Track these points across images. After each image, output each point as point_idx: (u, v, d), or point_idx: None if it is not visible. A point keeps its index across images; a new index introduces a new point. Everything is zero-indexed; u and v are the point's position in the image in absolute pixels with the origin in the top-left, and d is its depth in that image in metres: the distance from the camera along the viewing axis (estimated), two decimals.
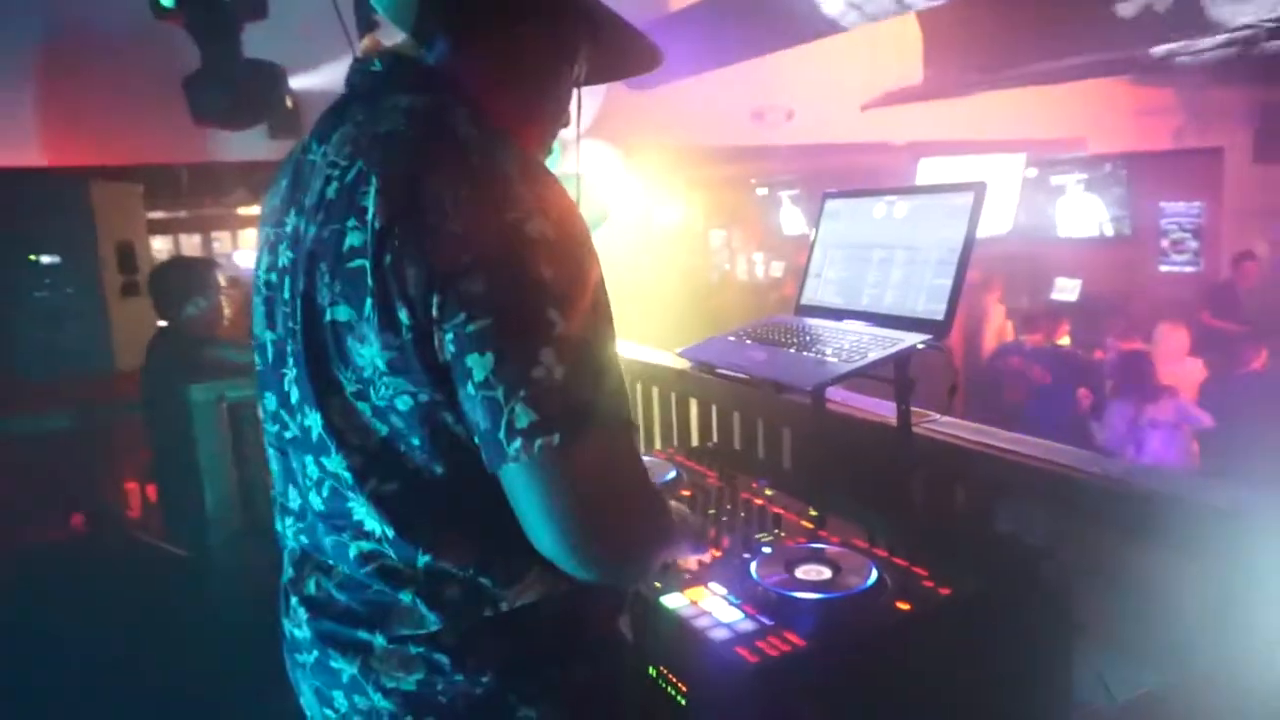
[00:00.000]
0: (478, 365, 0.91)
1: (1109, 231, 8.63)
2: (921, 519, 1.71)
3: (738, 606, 1.29)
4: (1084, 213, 8.72)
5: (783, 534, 1.53)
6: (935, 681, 1.24)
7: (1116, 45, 5.09)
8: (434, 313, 0.92)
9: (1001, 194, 6.63)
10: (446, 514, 1.01)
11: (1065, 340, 6.63)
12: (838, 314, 1.90)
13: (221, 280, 3.62)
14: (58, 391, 4.27)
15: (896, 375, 1.67)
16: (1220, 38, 4.62)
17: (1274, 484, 1.30)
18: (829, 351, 1.72)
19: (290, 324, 1.05)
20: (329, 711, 1.10)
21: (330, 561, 1.08)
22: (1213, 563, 1.24)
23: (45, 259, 4.08)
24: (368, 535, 1.03)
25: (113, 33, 3.98)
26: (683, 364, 2.28)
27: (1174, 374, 5.13)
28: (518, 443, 0.91)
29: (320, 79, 3.85)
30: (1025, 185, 7.77)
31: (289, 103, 3.69)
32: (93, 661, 3.09)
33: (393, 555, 1.02)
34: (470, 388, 0.92)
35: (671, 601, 1.32)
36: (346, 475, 1.02)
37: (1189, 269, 8.36)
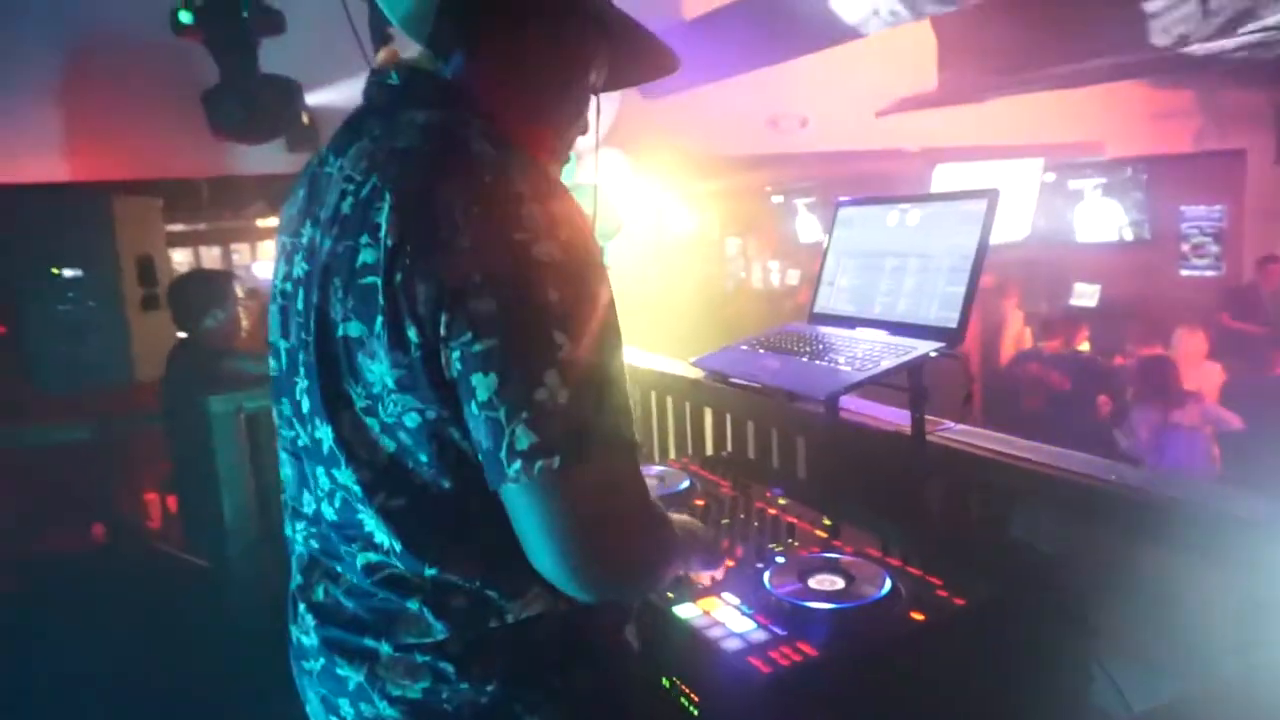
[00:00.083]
0: (482, 385, 0.91)
1: (1129, 236, 8.58)
2: (936, 528, 1.69)
3: (750, 616, 1.29)
4: (1103, 217, 8.67)
5: (796, 543, 1.53)
6: (949, 692, 1.23)
7: (1137, 47, 5.05)
8: (442, 331, 0.92)
9: (1018, 199, 6.60)
10: (453, 529, 1.02)
11: (1085, 346, 6.58)
12: (851, 322, 1.90)
13: (240, 292, 3.66)
14: (79, 403, 4.32)
15: (910, 383, 1.67)
16: (1243, 39, 4.58)
17: None
18: (842, 360, 1.72)
19: (303, 335, 1.06)
20: (334, 719, 1.10)
21: (339, 569, 1.09)
22: (1233, 571, 1.23)
23: (68, 272, 4.13)
24: (376, 547, 1.04)
25: (133, 49, 4.02)
26: (697, 373, 2.28)
27: (1192, 378, 5.08)
28: (518, 464, 0.91)
29: (336, 94, 3.88)
30: (1043, 190, 7.72)
31: (305, 118, 3.72)
32: (112, 670, 3.12)
33: (400, 567, 1.03)
34: (474, 406, 0.92)
35: (684, 611, 1.32)
36: (356, 489, 1.03)
37: (1210, 273, 8.29)
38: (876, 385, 1.65)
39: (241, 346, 3.55)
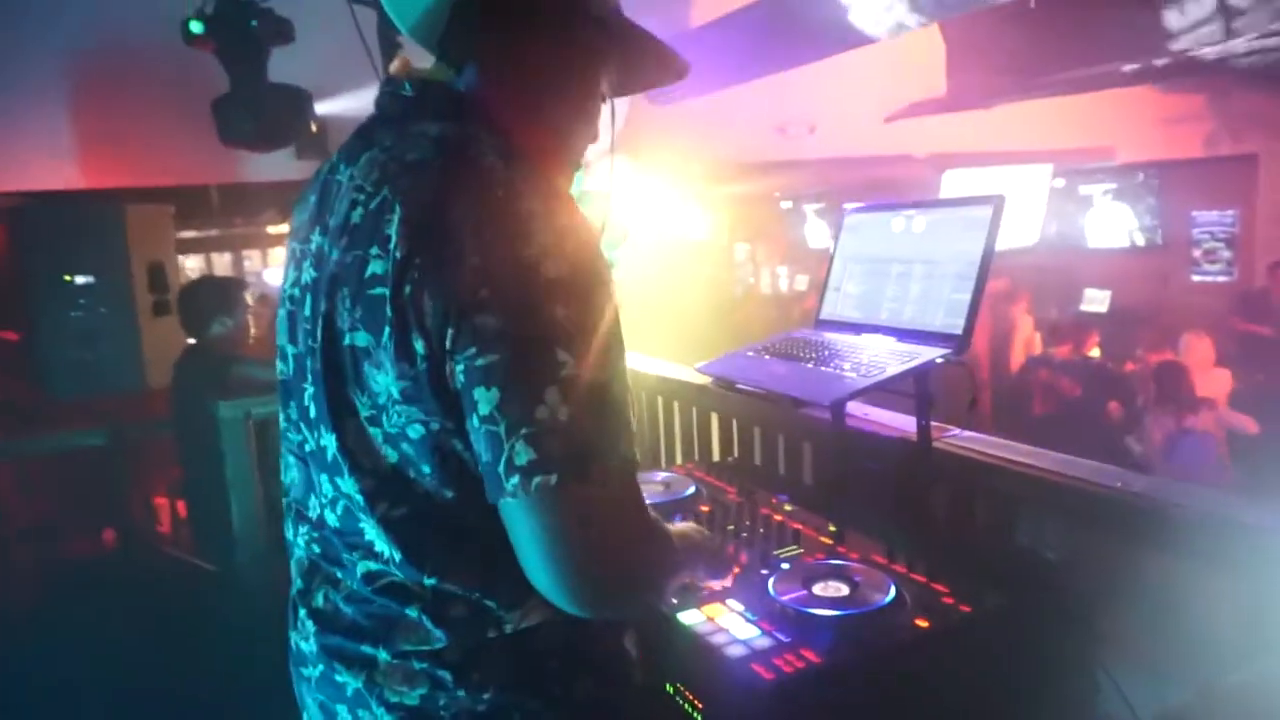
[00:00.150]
0: (484, 399, 0.92)
1: (1140, 241, 8.54)
2: (942, 534, 1.69)
3: (755, 623, 1.28)
4: (1114, 222, 8.64)
5: (801, 550, 1.52)
6: (954, 699, 1.23)
7: (1149, 52, 5.03)
8: (448, 344, 0.93)
9: (1028, 205, 6.58)
10: (454, 540, 1.02)
11: (1095, 352, 6.56)
12: (857, 328, 1.90)
13: (250, 299, 3.67)
14: (90, 409, 4.35)
15: (916, 390, 1.67)
16: (1255, 42, 4.56)
17: None
18: (847, 366, 1.72)
19: (310, 342, 1.07)
20: None
21: (340, 575, 1.09)
22: (1240, 578, 1.22)
23: (80, 279, 4.16)
24: (377, 556, 1.04)
25: (145, 59, 4.06)
26: (703, 379, 2.28)
27: (1200, 384, 5.06)
28: (516, 479, 0.91)
29: (345, 103, 3.91)
30: (1053, 196, 7.70)
31: (313, 127, 3.74)
32: (121, 673, 3.13)
33: (400, 576, 1.03)
34: (475, 420, 0.93)
35: (688, 618, 1.31)
36: (358, 498, 1.03)
37: (1222, 278, 8.25)
38: (883, 391, 1.65)
39: (250, 353, 3.57)
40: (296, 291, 1.11)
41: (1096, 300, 8.47)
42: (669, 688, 1.28)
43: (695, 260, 8.11)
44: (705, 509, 1.71)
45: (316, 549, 1.13)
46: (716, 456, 2.40)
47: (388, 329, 0.95)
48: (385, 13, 1.19)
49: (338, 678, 1.07)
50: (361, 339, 0.98)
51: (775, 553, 1.51)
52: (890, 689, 1.22)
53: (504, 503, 0.94)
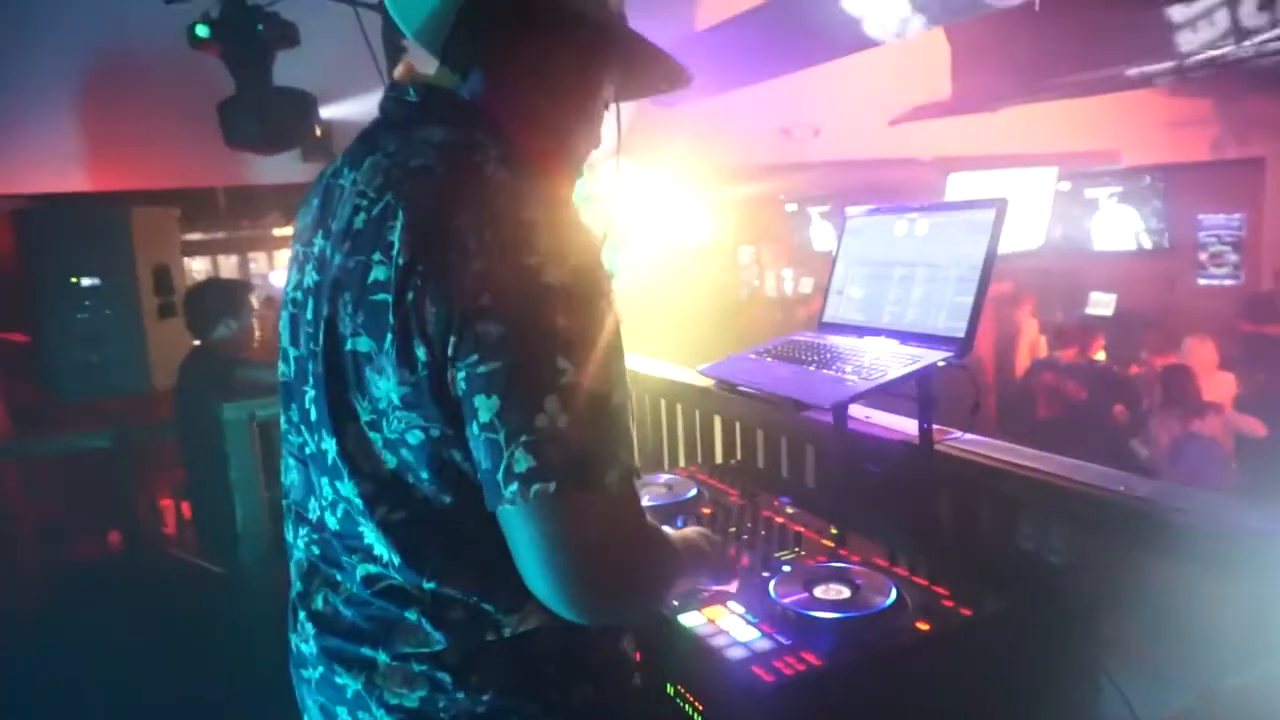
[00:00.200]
0: (484, 407, 0.92)
1: (1146, 244, 8.52)
2: (944, 537, 1.69)
3: (755, 625, 1.28)
4: (1120, 226, 8.62)
5: (803, 552, 1.52)
6: (955, 702, 1.23)
7: (1155, 55, 5.02)
8: (449, 351, 0.93)
9: (1033, 208, 6.58)
10: (452, 544, 1.02)
11: (1100, 355, 6.54)
12: (859, 331, 1.90)
13: (255, 301, 3.69)
14: (96, 411, 4.36)
15: (918, 393, 1.66)
16: (1263, 45, 4.55)
17: None
18: (849, 369, 1.72)
19: (312, 345, 1.07)
20: None
21: (339, 577, 1.10)
22: (1241, 582, 1.22)
23: (86, 281, 4.17)
24: (376, 559, 1.05)
25: (151, 63, 4.08)
26: (706, 381, 2.28)
27: (1204, 388, 5.04)
28: (515, 486, 0.91)
29: (350, 107, 3.92)
30: (1059, 199, 7.70)
31: (318, 131, 3.75)
32: (126, 673, 3.14)
33: (399, 579, 1.03)
34: (475, 427, 0.93)
35: (689, 620, 1.31)
36: (358, 501, 1.04)
37: (1229, 282, 8.22)
38: (885, 394, 1.65)
39: (255, 355, 3.58)
40: (299, 294, 1.11)
41: (1102, 304, 8.45)
42: (669, 689, 1.28)
43: (700, 263, 8.12)
44: (707, 511, 1.71)
45: (316, 551, 1.13)
46: (720, 459, 2.40)
47: (390, 335, 0.95)
48: (390, 17, 1.20)
49: (338, 679, 1.08)
50: (363, 344, 0.99)
51: (777, 555, 1.51)
52: (891, 692, 1.22)
53: (503, 510, 0.94)
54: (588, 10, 1.11)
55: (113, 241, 4.17)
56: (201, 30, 3.33)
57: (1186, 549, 1.26)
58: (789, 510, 1.70)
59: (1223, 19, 4.59)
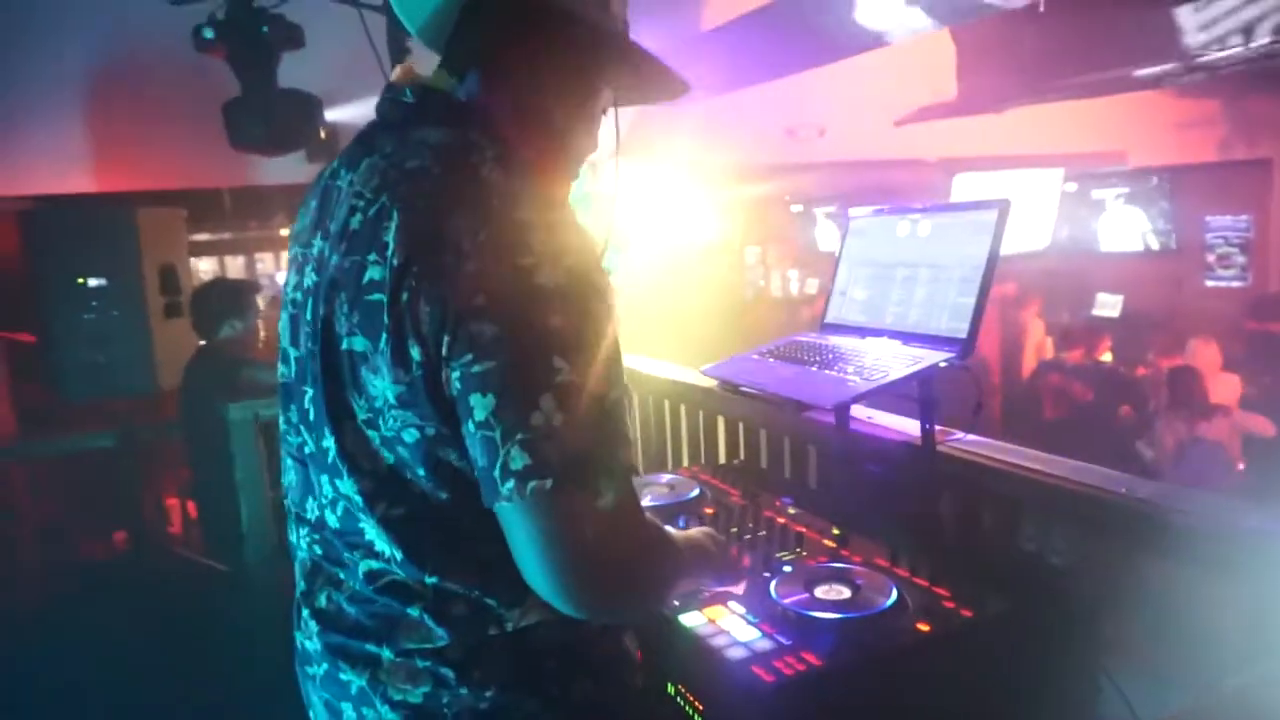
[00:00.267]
0: (479, 405, 0.92)
1: (1154, 245, 8.49)
2: (945, 538, 1.69)
3: (756, 625, 1.29)
4: (1126, 227, 8.59)
5: (804, 553, 1.52)
6: (955, 703, 1.23)
7: (1162, 55, 5.01)
8: (444, 351, 0.93)
9: (1039, 209, 6.56)
10: (452, 539, 1.03)
11: (1107, 357, 6.52)
12: (861, 331, 1.90)
13: (261, 302, 3.70)
14: (102, 411, 4.38)
15: (920, 394, 1.66)
16: (1271, 47, 4.54)
17: None
18: (850, 370, 1.72)
19: (311, 345, 1.08)
20: None
21: (342, 575, 1.10)
22: (1242, 582, 1.21)
23: (92, 282, 4.19)
24: (378, 555, 1.05)
25: (156, 65, 4.09)
26: (709, 381, 2.29)
27: (1209, 390, 5.03)
28: (511, 483, 0.92)
29: (355, 109, 3.92)
30: (1065, 200, 7.66)
31: (322, 133, 3.75)
32: (131, 672, 3.15)
33: (401, 575, 1.04)
34: (471, 425, 0.94)
35: (690, 620, 1.32)
36: (358, 498, 1.04)
37: (1236, 284, 8.18)
38: (888, 395, 1.65)
39: (260, 356, 3.59)
40: (299, 295, 1.12)
41: (1109, 305, 8.43)
42: (670, 688, 1.28)
43: (706, 263, 8.11)
44: (709, 511, 1.71)
45: (318, 550, 1.14)
46: (723, 459, 2.41)
47: (385, 335, 0.96)
48: (395, 18, 1.20)
49: (342, 676, 1.08)
50: (359, 344, 0.99)
51: (778, 555, 1.51)
52: (890, 692, 1.22)
53: (500, 507, 0.95)
54: (589, 15, 1.11)
55: (119, 242, 4.20)
56: (206, 32, 3.34)
57: (1187, 550, 1.26)
58: (790, 510, 1.70)
59: (1230, 19, 4.58)
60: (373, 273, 0.97)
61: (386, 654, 1.05)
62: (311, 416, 1.09)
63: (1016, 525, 1.55)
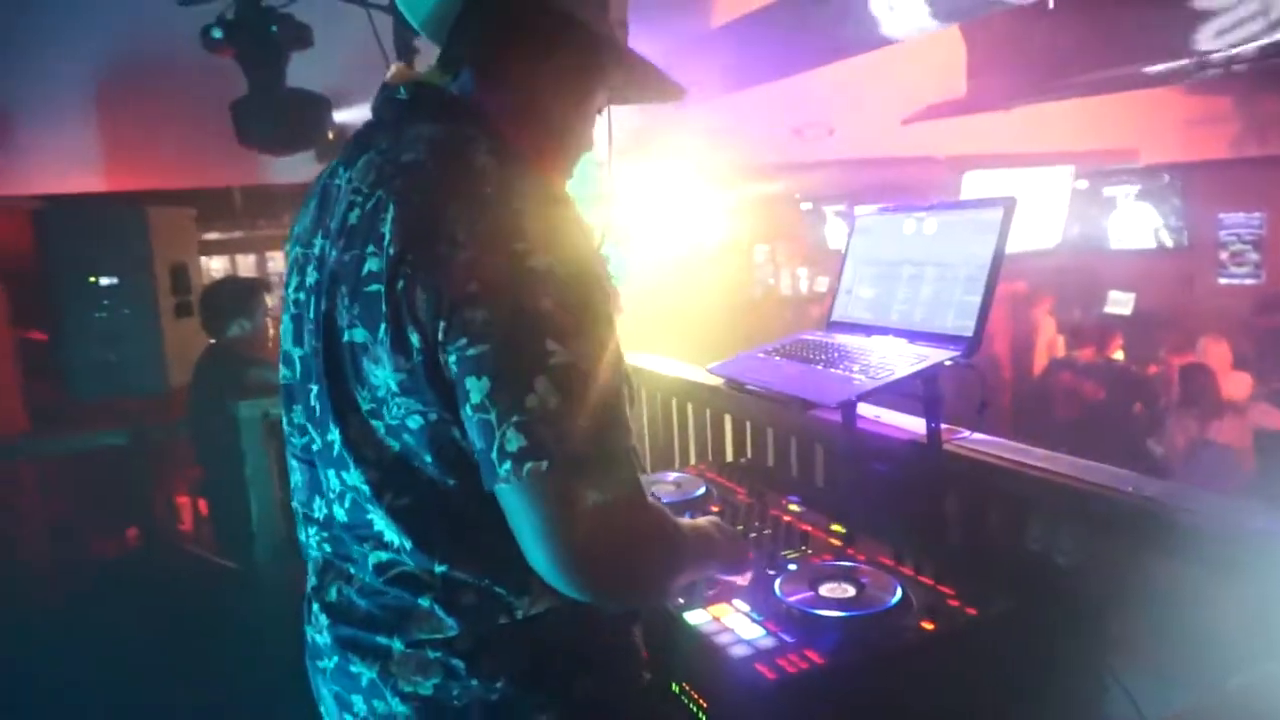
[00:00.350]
0: (475, 388, 0.94)
1: (1167, 243, 8.45)
2: (951, 537, 1.68)
3: (760, 623, 1.29)
4: (1138, 224, 8.55)
5: (809, 551, 1.52)
6: (959, 702, 1.23)
7: (1174, 52, 4.97)
8: (440, 336, 0.95)
9: (1049, 207, 6.53)
10: (459, 526, 1.04)
11: (1119, 354, 6.49)
12: (867, 330, 1.90)
13: (270, 301, 3.72)
14: (113, 410, 4.40)
15: (926, 392, 1.66)
16: None
17: None
18: (856, 368, 1.72)
19: (315, 342, 1.09)
20: (348, 716, 1.12)
21: (352, 569, 1.11)
22: (1247, 582, 1.21)
23: (104, 280, 4.21)
24: (387, 546, 1.06)
25: (166, 65, 4.11)
26: (717, 380, 2.29)
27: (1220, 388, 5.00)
28: (508, 464, 0.93)
29: (363, 110, 3.92)
30: (1076, 197, 7.64)
31: (330, 135, 3.76)
32: (142, 668, 3.17)
33: (410, 564, 1.05)
34: (468, 409, 0.95)
35: (694, 618, 1.32)
36: (365, 489, 1.05)
37: (1249, 281, 8.13)
38: (896, 394, 1.65)
39: (268, 355, 3.61)
40: (302, 295, 1.13)
41: (1120, 302, 8.39)
42: (674, 686, 1.28)
43: (715, 261, 8.11)
44: (715, 509, 1.71)
45: (328, 548, 1.15)
46: (730, 457, 2.41)
47: (383, 324, 0.97)
48: (402, 18, 1.21)
49: (352, 668, 1.09)
50: (360, 335, 1.01)
51: (783, 554, 1.51)
52: (894, 691, 1.22)
53: (499, 489, 0.96)
54: (587, 17, 1.12)
55: (130, 241, 4.21)
56: (215, 32, 3.35)
57: (1193, 550, 1.26)
58: (796, 509, 1.70)
59: (1243, 15, 4.55)
60: (371, 264, 0.99)
61: (397, 645, 1.05)
62: (317, 413, 1.10)
63: (1023, 524, 1.55)
